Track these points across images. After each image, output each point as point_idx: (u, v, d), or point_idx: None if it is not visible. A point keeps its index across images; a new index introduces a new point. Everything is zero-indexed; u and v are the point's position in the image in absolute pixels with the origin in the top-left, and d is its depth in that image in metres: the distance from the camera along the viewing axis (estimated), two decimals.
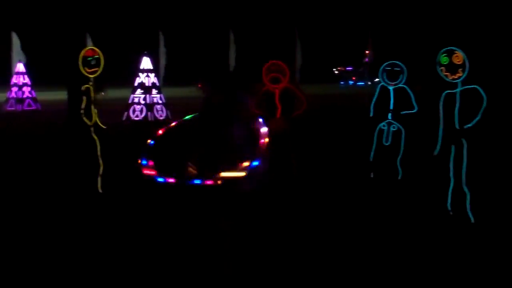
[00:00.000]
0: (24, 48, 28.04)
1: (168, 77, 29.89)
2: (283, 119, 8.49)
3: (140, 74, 20.72)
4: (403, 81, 8.61)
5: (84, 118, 8.00)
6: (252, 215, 7.21)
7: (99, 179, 8.17)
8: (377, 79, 8.70)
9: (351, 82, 59.34)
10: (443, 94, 6.76)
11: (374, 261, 5.60)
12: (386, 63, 8.72)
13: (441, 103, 6.78)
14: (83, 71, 8.03)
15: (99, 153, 8.13)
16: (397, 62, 8.67)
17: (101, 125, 8.22)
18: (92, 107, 8.14)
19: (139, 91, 20.57)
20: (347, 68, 64.72)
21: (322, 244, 6.17)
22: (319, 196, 8.24)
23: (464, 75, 6.57)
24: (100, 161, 8.15)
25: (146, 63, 20.82)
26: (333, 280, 5.19)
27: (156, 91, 20.82)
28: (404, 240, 6.22)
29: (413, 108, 8.57)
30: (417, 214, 7.14)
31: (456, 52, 6.61)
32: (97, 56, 8.12)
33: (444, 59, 6.67)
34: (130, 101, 20.68)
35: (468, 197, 6.63)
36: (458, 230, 6.43)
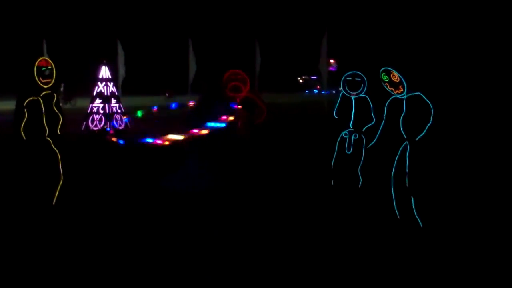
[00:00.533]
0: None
1: (126, 86, 29.65)
2: (244, 127, 8.59)
3: (99, 83, 20.54)
4: (364, 91, 8.75)
5: (22, 133, 7.77)
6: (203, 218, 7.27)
7: (56, 192, 7.99)
8: (340, 88, 8.77)
9: (315, 90, 59.83)
10: (390, 98, 7.03)
11: (325, 266, 5.73)
12: (347, 73, 8.85)
13: (386, 106, 7.08)
14: (38, 81, 7.90)
15: (60, 165, 7.97)
16: (358, 72, 8.78)
17: (58, 132, 8.07)
18: (58, 115, 8.00)
19: (97, 100, 20.38)
20: (312, 77, 65.19)
21: (277, 249, 6.24)
22: (278, 201, 8.34)
23: (405, 91, 6.79)
24: (61, 174, 7.99)
25: (104, 72, 20.65)
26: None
27: (115, 100, 20.66)
28: (356, 245, 6.36)
29: (371, 119, 8.70)
30: (372, 220, 7.30)
31: (392, 72, 6.91)
32: (50, 67, 8.02)
33: (384, 77, 6.97)
34: (89, 111, 20.46)
35: (414, 201, 6.75)
36: (407, 235, 6.61)
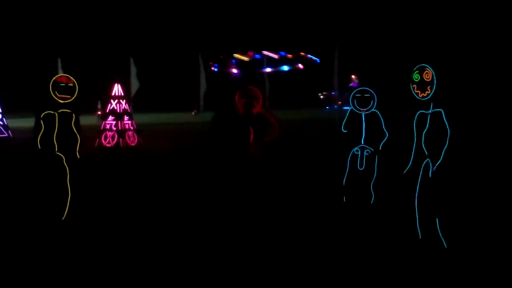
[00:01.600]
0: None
1: (138, 103, 29.93)
2: (256, 144, 8.68)
3: (112, 100, 20.79)
4: (374, 106, 8.70)
5: (38, 144, 7.90)
6: (226, 234, 7.32)
7: (66, 207, 8.07)
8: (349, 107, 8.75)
9: (336, 106, 59.02)
10: (417, 114, 6.74)
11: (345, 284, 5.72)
12: (356, 89, 8.82)
13: (414, 123, 6.77)
14: (53, 95, 8.01)
15: (68, 182, 8.03)
16: (367, 88, 8.75)
17: (77, 155, 8.20)
18: (76, 135, 8.13)
19: (110, 117, 20.62)
20: (332, 93, 64.43)
21: (294, 266, 6.24)
22: (291, 218, 8.36)
23: (432, 93, 6.53)
24: (69, 190, 8.05)
25: (117, 89, 20.90)
26: None
27: (128, 117, 20.89)
28: (375, 264, 6.30)
29: (383, 134, 8.67)
30: (390, 238, 7.18)
31: (426, 69, 6.60)
32: (72, 85, 8.15)
33: (416, 76, 6.65)
34: (102, 128, 20.70)
35: (438, 221, 6.55)
36: (430, 255, 6.43)
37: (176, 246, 7.01)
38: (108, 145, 20.20)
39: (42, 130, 7.86)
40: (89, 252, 6.82)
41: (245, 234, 7.41)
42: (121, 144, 20.18)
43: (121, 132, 20.44)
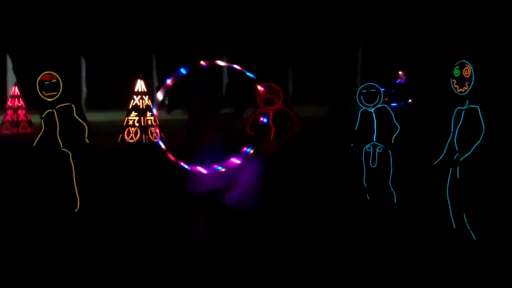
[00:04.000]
0: (17, 70, 28.06)
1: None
2: (277, 140, 8.63)
3: (134, 96, 20.88)
4: (381, 101, 8.70)
5: (37, 144, 7.96)
6: (248, 235, 7.31)
7: (76, 203, 8.15)
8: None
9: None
10: (455, 110, 6.92)
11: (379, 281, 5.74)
12: (362, 85, 8.86)
13: (452, 118, 6.95)
14: (41, 95, 8.08)
15: (74, 178, 8.10)
16: (373, 84, 8.78)
17: (86, 140, 8.21)
18: (83, 124, 8.16)
19: (133, 113, 20.71)
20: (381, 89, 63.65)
21: (324, 265, 6.25)
22: (317, 217, 8.34)
23: (469, 89, 6.68)
24: (75, 186, 8.10)
25: (140, 85, 20.99)
26: None
27: (150, 113, 20.96)
28: (411, 259, 6.38)
29: (395, 128, 8.63)
30: (420, 232, 7.28)
31: (466, 65, 6.76)
32: (55, 81, 8.17)
33: (456, 72, 6.84)
34: (124, 124, 20.81)
35: (466, 215, 6.73)
36: (462, 248, 6.56)
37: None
38: (130, 141, 20.31)
39: (43, 130, 7.93)
40: (97, 247, 6.89)
41: (270, 233, 7.43)
42: (143, 140, 20.28)
43: (144, 128, 20.55)
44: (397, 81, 37.28)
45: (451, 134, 6.96)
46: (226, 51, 30.84)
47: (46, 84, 8.05)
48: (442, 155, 7.04)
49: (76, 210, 8.06)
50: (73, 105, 8.16)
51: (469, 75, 6.69)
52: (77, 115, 8.15)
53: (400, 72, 47.44)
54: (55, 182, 8.02)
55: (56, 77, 8.15)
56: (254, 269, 6.05)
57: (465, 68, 6.73)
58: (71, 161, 7.99)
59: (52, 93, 8.07)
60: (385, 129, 8.67)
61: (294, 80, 29.06)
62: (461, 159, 6.66)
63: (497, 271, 5.86)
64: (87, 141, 8.21)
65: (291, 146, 8.95)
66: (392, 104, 51.40)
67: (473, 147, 6.58)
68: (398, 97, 30.26)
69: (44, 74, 8.18)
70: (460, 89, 6.77)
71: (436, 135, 7.58)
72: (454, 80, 6.85)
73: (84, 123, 8.18)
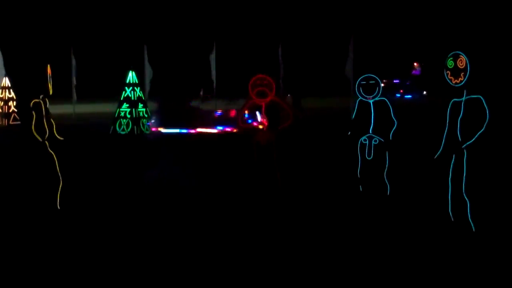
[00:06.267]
0: (8, 62, 27.83)
1: (153, 91, 29.99)
2: (270, 132, 8.70)
3: (126, 88, 20.83)
4: (380, 93, 8.63)
5: (35, 133, 7.94)
6: (239, 227, 7.36)
7: (58, 195, 8.11)
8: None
9: (398, 95, 56.35)
10: (451, 102, 6.91)
11: (375, 271, 5.74)
12: (361, 77, 8.72)
13: (448, 112, 6.95)
14: (50, 88, 8.11)
15: (57, 168, 8.07)
16: (372, 75, 8.64)
17: (57, 136, 8.23)
18: (51, 120, 8.17)
19: (125, 105, 20.68)
20: (394, 81, 61.50)
21: (314, 255, 6.26)
22: (309, 207, 8.37)
23: (465, 80, 6.68)
24: (60, 177, 8.08)
25: (132, 77, 20.94)
26: None
27: (142, 105, 20.94)
28: (406, 248, 6.38)
29: (393, 123, 8.58)
30: (417, 223, 7.29)
31: (460, 56, 6.75)
32: (51, 75, 8.22)
33: (450, 63, 6.83)
34: (116, 115, 20.78)
35: (469, 205, 6.73)
36: (460, 239, 6.55)
37: (177, 237, 7.07)
38: (122, 132, 20.29)
39: (35, 117, 7.88)
40: (84, 240, 6.86)
41: (261, 225, 7.45)
42: (135, 132, 20.27)
43: (136, 120, 20.53)
44: (412, 73, 36.76)
45: (447, 126, 6.95)
46: (218, 44, 30.72)
47: (49, 76, 8.10)
48: (441, 148, 7.04)
49: (58, 203, 8.02)
50: (46, 99, 8.16)
51: (464, 66, 6.67)
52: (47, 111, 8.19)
53: (415, 64, 46.23)
54: (45, 173, 7.99)
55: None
56: (244, 255, 6.09)
57: (459, 59, 6.72)
58: (51, 151, 7.97)
59: (50, 86, 8.14)
60: (382, 123, 8.62)
61: (284, 72, 29.00)
62: (464, 145, 6.64)
63: (495, 263, 5.84)
64: (59, 137, 8.19)
65: (284, 136, 8.99)
66: (407, 96, 50.24)
67: (477, 135, 6.58)
68: (413, 89, 29.86)
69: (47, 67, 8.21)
70: (456, 80, 6.75)
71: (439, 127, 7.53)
72: (449, 72, 6.81)
73: (52, 120, 8.21)
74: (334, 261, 6.05)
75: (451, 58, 6.81)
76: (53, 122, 8.23)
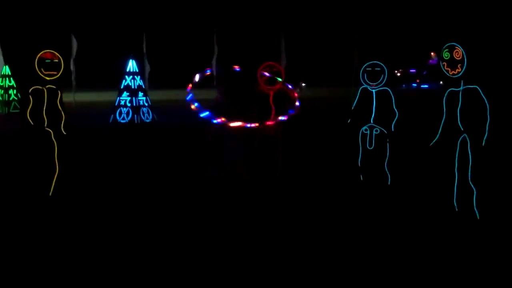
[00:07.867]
0: (6, 50, 27.59)
1: (153, 80, 29.81)
2: (276, 121, 8.53)
3: (126, 76, 20.63)
4: (384, 81, 8.43)
5: (29, 119, 7.81)
6: (238, 216, 7.18)
7: (53, 183, 7.98)
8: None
9: (414, 84, 55.33)
10: (447, 91, 6.94)
11: (377, 261, 5.61)
12: (367, 63, 8.52)
13: (444, 101, 6.98)
14: (39, 72, 7.93)
15: (56, 157, 7.96)
16: (378, 62, 8.45)
17: (62, 131, 8.11)
18: (61, 112, 8.06)
19: (125, 93, 20.49)
20: (410, 70, 60.45)
21: (313, 245, 6.14)
22: (310, 196, 8.24)
23: (462, 71, 6.70)
24: (57, 166, 7.96)
25: (132, 65, 20.74)
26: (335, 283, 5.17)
27: (142, 93, 20.75)
28: (410, 238, 6.27)
29: (394, 113, 8.40)
30: (421, 212, 7.22)
31: (456, 47, 6.76)
32: (57, 61, 8.03)
33: (445, 54, 6.86)
34: (116, 104, 20.59)
35: (475, 194, 6.74)
36: (464, 227, 6.52)
37: (175, 229, 6.92)
38: (122, 121, 20.12)
39: (31, 105, 7.79)
40: (75, 229, 6.71)
41: (263, 215, 7.30)
42: (135, 121, 20.10)
43: (136, 109, 20.35)
44: (430, 62, 36.46)
45: (444, 115, 7.01)
46: (218, 31, 30.45)
47: (47, 62, 7.91)
48: (437, 136, 7.09)
49: (51, 191, 7.88)
50: (59, 91, 8.03)
51: (460, 57, 6.75)
52: (59, 102, 8.06)
53: (432, 53, 45.60)
54: (38, 160, 7.90)
55: (59, 57, 8.04)
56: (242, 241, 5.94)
57: (455, 51, 6.77)
58: (54, 140, 7.87)
59: (51, 72, 7.93)
60: (384, 113, 8.43)
61: (287, 60, 28.76)
62: (483, 143, 6.63)
63: (498, 254, 5.78)
64: (63, 131, 8.06)
65: (288, 126, 8.82)
66: (423, 86, 49.23)
67: (486, 127, 6.60)
68: (431, 79, 29.71)
69: (46, 52, 8.01)
70: (453, 71, 6.81)
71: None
72: (445, 63, 6.89)
73: (62, 112, 8.08)
74: (335, 251, 5.93)
75: (447, 50, 6.84)
76: (63, 115, 8.12)
